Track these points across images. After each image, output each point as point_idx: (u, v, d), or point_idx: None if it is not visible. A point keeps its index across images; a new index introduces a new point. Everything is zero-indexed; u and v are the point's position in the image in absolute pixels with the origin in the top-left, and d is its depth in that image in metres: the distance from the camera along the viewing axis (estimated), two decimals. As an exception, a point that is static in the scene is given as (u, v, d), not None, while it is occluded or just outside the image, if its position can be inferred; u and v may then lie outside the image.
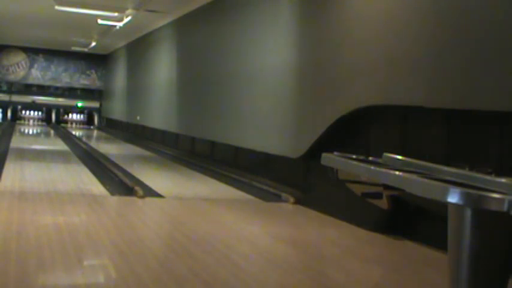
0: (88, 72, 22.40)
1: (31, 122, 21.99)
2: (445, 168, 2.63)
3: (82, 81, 22.39)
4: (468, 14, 4.30)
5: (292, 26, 7.26)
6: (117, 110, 19.96)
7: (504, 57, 3.94)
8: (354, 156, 3.39)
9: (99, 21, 13.69)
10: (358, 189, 5.01)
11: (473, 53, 4.23)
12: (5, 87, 21.81)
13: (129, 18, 13.03)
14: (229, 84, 9.36)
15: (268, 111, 7.80)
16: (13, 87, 21.89)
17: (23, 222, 4.89)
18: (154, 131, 14.79)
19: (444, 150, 4.68)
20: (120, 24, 13.86)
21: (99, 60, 22.31)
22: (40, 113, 22.16)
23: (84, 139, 16.52)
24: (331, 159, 3.47)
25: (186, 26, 12.12)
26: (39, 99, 22.08)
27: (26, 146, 13.48)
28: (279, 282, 3.77)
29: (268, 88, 7.84)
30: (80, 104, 22.57)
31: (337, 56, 6.10)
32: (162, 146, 13.24)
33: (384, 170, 2.50)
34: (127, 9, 12.32)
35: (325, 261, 4.37)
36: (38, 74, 21.86)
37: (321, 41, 6.51)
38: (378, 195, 4.94)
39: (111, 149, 13.08)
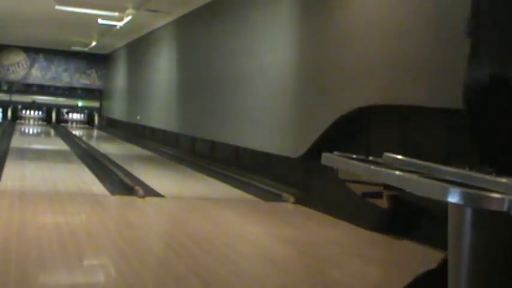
0: (88, 71, 22.40)
1: (31, 121, 21.99)
2: (445, 168, 2.63)
3: (82, 80, 22.39)
4: (468, 12, 4.30)
5: (292, 25, 7.26)
6: (118, 109, 19.96)
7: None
8: (354, 156, 3.39)
9: (100, 20, 13.69)
10: (358, 189, 5.01)
11: (474, 53, 4.23)
12: (5, 87, 21.80)
13: (129, 17, 13.03)
14: (230, 83, 9.36)
15: (268, 111, 7.81)
16: (13, 87, 21.89)
17: (23, 221, 4.89)
18: (154, 131, 14.79)
19: (444, 150, 4.68)
20: (121, 23, 13.86)
21: (99, 60, 22.31)
22: (40, 112, 22.16)
23: (84, 139, 16.53)
24: (331, 159, 3.47)
25: (187, 25, 12.12)
26: (39, 99, 22.08)
27: (26, 145, 13.48)
28: (279, 282, 3.77)
29: (269, 87, 7.84)
30: (80, 104, 22.57)
31: (337, 55, 6.10)
32: (163, 146, 13.24)
33: (384, 169, 2.50)
34: (127, 8, 12.32)
35: (325, 261, 4.37)
36: (38, 73, 21.86)
37: (321, 41, 6.51)
38: (378, 195, 4.94)
39: (111, 148, 13.08)
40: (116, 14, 12.79)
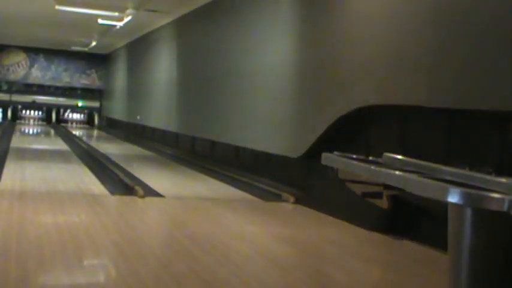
0: (88, 71, 22.40)
1: (31, 121, 21.99)
2: (445, 168, 2.63)
3: (82, 80, 22.39)
4: (468, 13, 4.30)
5: (292, 25, 7.26)
6: (117, 109, 19.96)
7: (504, 56, 3.94)
8: (354, 156, 3.40)
9: (100, 20, 13.68)
10: (358, 189, 5.01)
11: (474, 52, 4.23)
12: (5, 87, 21.81)
13: (129, 17, 13.03)
14: (230, 83, 9.36)
15: (268, 111, 7.81)
16: (13, 87, 21.89)
17: (23, 222, 4.89)
18: (154, 131, 14.79)
19: (444, 150, 4.68)
20: (121, 23, 13.86)
21: (99, 60, 22.31)
22: (40, 112, 22.16)
23: (84, 139, 16.53)
24: (331, 159, 3.48)
25: (186, 25, 12.12)
26: (39, 99, 22.08)
27: (26, 145, 13.48)
28: (279, 282, 3.77)
29: (269, 87, 7.84)
30: (80, 104, 22.58)
31: (337, 55, 6.10)
32: (162, 146, 13.24)
33: (384, 169, 2.51)
34: (127, 8, 12.32)
35: (325, 261, 4.37)
36: (38, 73, 21.86)
37: (321, 41, 6.51)
38: (378, 195, 4.94)
39: (111, 148, 13.09)
40: (116, 14, 12.79)
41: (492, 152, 4.24)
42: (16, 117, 21.74)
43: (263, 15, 8.19)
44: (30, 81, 21.91)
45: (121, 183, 7.34)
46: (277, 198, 6.78)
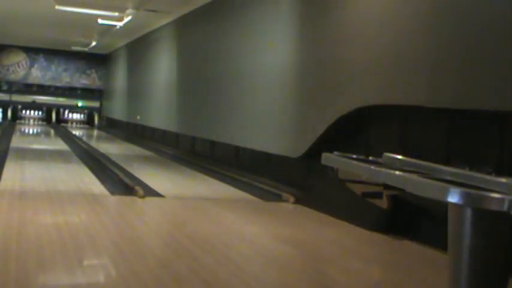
0: (88, 71, 22.39)
1: (31, 121, 22.00)
2: (445, 168, 2.64)
3: (82, 80, 22.38)
4: (468, 13, 4.30)
5: (292, 25, 7.26)
6: (118, 109, 19.96)
7: (504, 56, 3.94)
8: (354, 156, 3.40)
9: (100, 20, 13.68)
10: (358, 189, 5.01)
11: (473, 52, 4.23)
12: (5, 87, 21.80)
13: (129, 17, 13.03)
14: (230, 83, 9.36)
15: (268, 111, 7.81)
16: (13, 87, 21.88)
17: (23, 221, 4.89)
18: (154, 131, 14.79)
19: (444, 150, 4.68)
20: (121, 23, 13.86)
21: (99, 60, 22.31)
22: (40, 112, 22.17)
23: (84, 139, 16.53)
24: (331, 159, 3.48)
25: (187, 25, 12.12)
26: (39, 99, 22.08)
27: (26, 145, 13.48)
28: (279, 282, 3.77)
29: (269, 87, 7.84)
30: (80, 104, 22.58)
31: (337, 55, 6.10)
32: (162, 146, 13.24)
33: (384, 169, 2.51)
34: (127, 8, 12.32)
35: (325, 261, 4.37)
36: (38, 73, 21.85)
37: (321, 41, 6.51)
38: (378, 195, 4.94)
39: (111, 148, 13.09)
40: (116, 14, 12.79)
41: (492, 152, 4.25)
42: (16, 117, 21.73)
43: (263, 16, 8.19)
44: (30, 81, 21.90)
45: (121, 183, 7.34)
46: (277, 198, 6.78)
